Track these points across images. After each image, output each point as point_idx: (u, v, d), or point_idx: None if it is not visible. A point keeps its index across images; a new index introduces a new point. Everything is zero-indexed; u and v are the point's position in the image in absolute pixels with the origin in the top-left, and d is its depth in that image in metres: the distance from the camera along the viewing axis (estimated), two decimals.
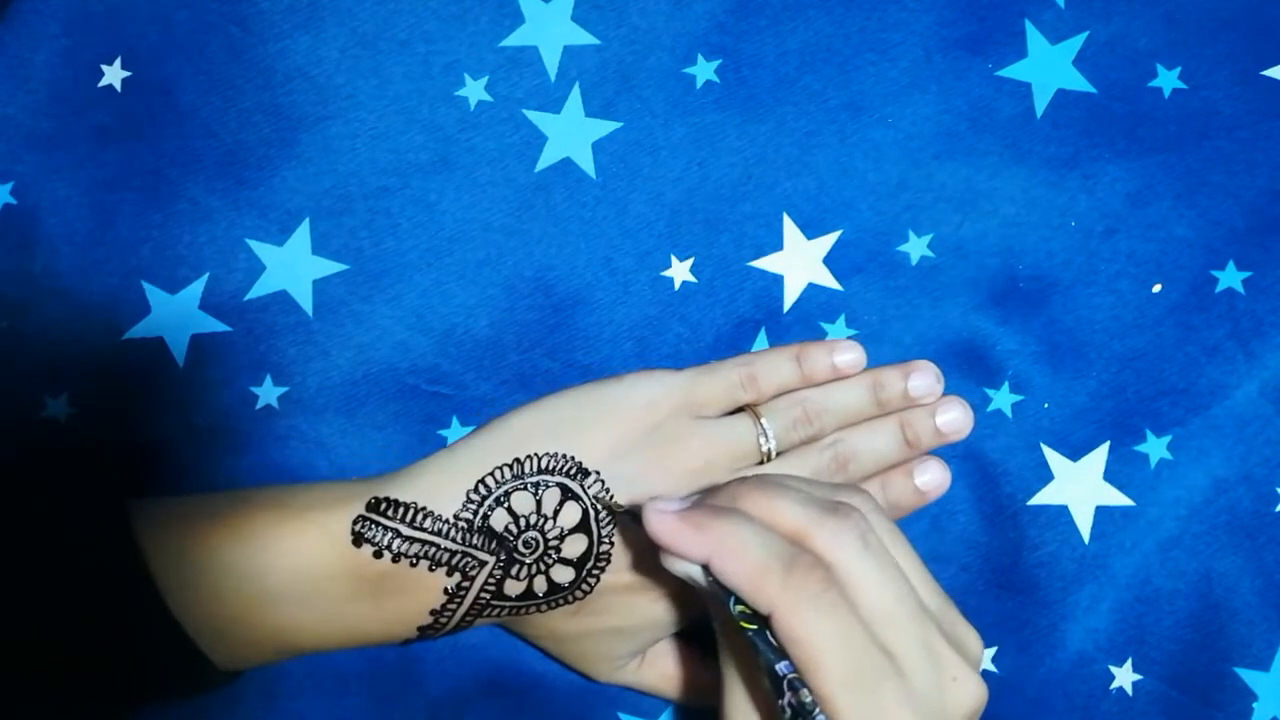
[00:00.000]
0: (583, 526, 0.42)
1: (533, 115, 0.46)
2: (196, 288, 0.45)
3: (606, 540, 0.42)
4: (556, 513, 0.41)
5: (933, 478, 0.46)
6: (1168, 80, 0.47)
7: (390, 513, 0.40)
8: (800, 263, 0.47)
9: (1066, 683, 0.47)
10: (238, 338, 0.45)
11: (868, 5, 0.47)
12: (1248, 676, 0.47)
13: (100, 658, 0.37)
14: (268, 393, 0.45)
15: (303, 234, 0.45)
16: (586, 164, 0.46)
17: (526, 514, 0.41)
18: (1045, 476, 0.47)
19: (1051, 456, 0.47)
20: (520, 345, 0.46)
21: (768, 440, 0.44)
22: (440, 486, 0.41)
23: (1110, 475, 0.47)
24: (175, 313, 0.44)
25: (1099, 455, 0.47)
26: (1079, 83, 0.47)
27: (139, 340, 0.44)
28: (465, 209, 0.46)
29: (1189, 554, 0.47)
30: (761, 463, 0.44)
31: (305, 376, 0.45)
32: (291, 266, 0.45)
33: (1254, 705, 0.47)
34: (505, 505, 0.41)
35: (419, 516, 0.41)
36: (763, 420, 0.44)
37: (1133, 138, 0.47)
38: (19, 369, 0.44)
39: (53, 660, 0.36)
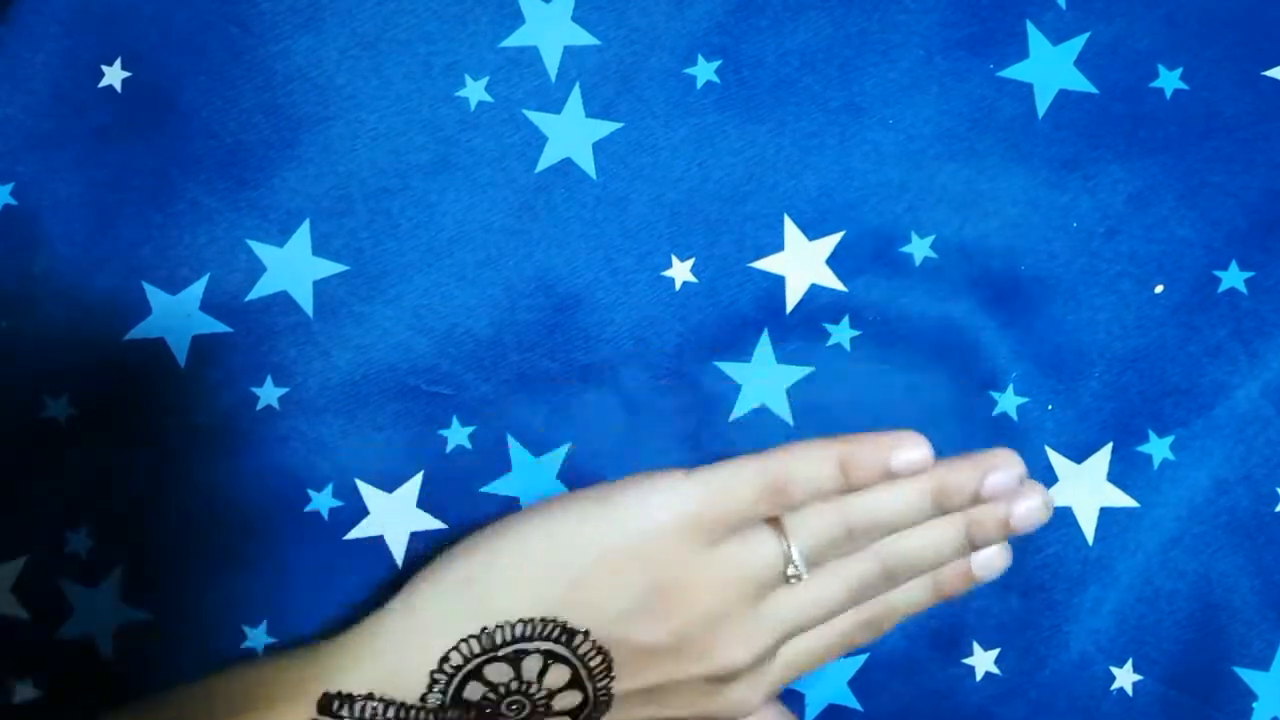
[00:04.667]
0: (574, 684, 0.37)
1: (533, 116, 0.46)
2: (197, 288, 0.44)
3: (604, 693, 0.37)
4: (541, 676, 0.36)
5: (990, 563, 0.41)
6: (1169, 81, 0.47)
7: (345, 711, 0.35)
8: (802, 264, 0.47)
9: (1069, 685, 0.47)
10: (238, 338, 0.45)
11: (869, 6, 0.46)
12: (1247, 676, 0.47)
13: None
14: (268, 393, 0.45)
15: (303, 235, 0.45)
16: (587, 164, 0.46)
17: (505, 681, 0.36)
18: (1049, 479, 0.47)
19: (1055, 459, 0.47)
20: (520, 345, 0.46)
21: (796, 568, 0.38)
22: (399, 667, 0.36)
23: (1114, 476, 0.47)
24: (176, 313, 0.44)
25: (1102, 456, 0.47)
26: (1080, 83, 0.47)
27: (140, 341, 0.44)
28: (465, 209, 0.45)
29: (1189, 554, 0.47)
30: (787, 580, 0.38)
31: (306, 377, 0.45)
32: (292, 267, 0.45)
33: (1254, 705, 0.47)
34: (478, 677, 0.36)
35: (380, 708, 0.36)
36: (791, 546, 0.37)
37: (1134, 139, 0.47)
38: (19, 369, 0.44)
39: None
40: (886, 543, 0.39)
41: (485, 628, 0.36)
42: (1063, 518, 0.47)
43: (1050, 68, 0.47)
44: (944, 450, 0.47)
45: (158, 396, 0.44)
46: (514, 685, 0.36)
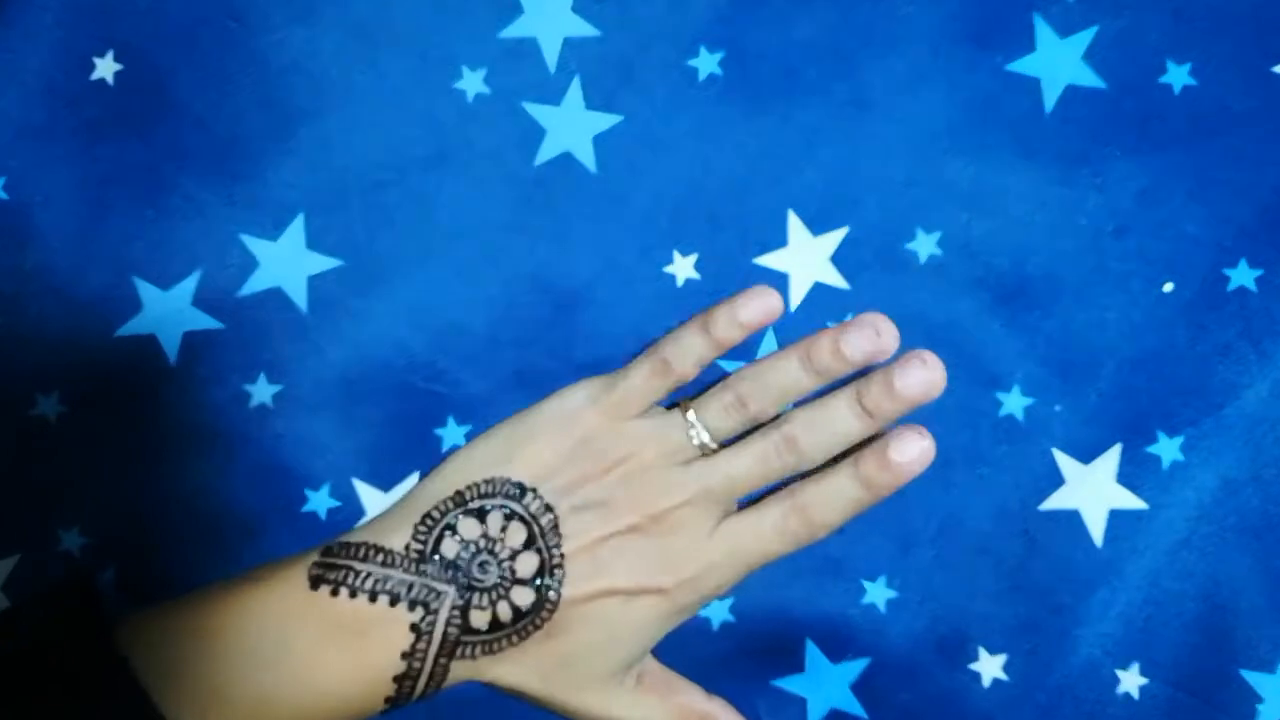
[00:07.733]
0: (530, 543, 0.42)
1: (532, 108, 0.45)
2: (189, 284, 0.44)
3: (556, 553, 0.42)
4: (504, 532, 0.42)
5: (908, 448, 0.42)
6: (1178, 76, 0.47)
7: (343, 553, 0.42)
8: (806, 260, 0.46)
9: (1075, 688, 0.47)
10: (231, 335, 0.44)
11: None
12: (1253, 679, 0.47)
13: None
14: (261, 390, 0.45)
15: (297, 229, 0.45)
16: (587, 158, 0.46)
17: (475, 538, 0.42)
18: (1057, 480, 0.47)
19: (1063, 460, 0.47)
20: (518, 342, 0.46)
21: (699, 433, 0.43)
22: (389, 525, 0.43)
23: (1123, 478, 0.47)
24: (168, 309, 0.44)
25: (1111, 457, 0.47)
26: (1089, 78, 0.47)
27: (131, 337, 0.44)
28: (463, 204, 0.45)
29: (1198, 555, 0.47)
30: (703, 455, 0.44)
31: (300, 374, 0.45)
32: (286, 262, 0.45)
33: (1259, 708, 0.46)
34: (453, 533, 0.42)
35: (371, 552, 0.42)
36: (688, 414, 0.44)
37: (1143, 134, 0.47)
38: (9, 365, 0.44)
39: None
40: (787, 415, 0.43)
41: (458, 489, 0.43)
42: (1071, 520, 0.47)
43: (1058, 62, 0.46)
44: (949, 452, 0.46)
45: (149, 394, 0.44)
46: (482, 543, 0.42)
